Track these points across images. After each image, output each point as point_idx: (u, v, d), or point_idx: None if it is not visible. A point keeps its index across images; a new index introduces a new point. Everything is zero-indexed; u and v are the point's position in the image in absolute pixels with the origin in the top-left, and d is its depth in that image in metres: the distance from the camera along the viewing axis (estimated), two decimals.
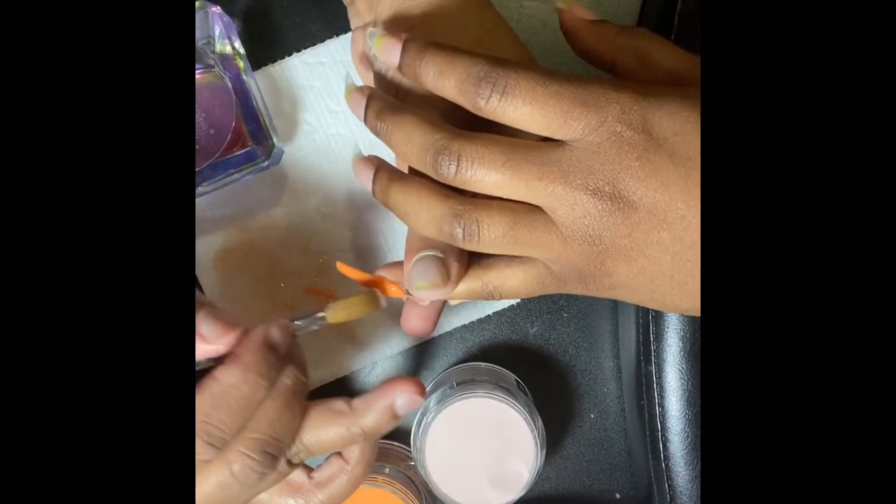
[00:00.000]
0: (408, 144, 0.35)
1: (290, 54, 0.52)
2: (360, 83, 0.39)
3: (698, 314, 0.35)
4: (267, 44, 0.52)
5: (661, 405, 0.48)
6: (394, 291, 0.39)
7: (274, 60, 0.52)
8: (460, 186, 0.34)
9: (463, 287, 0.36)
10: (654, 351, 0.48)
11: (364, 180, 0.37)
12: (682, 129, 0.32)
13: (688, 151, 0.32)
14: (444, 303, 0.40)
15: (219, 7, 0.48)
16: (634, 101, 0.32)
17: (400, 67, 0.36)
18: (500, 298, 0.37)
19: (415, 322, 0.40)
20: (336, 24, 0.52)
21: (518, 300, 0.54)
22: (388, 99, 0.37)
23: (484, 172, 0.33)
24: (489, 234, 0.34)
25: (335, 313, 0.40)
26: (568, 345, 0.55)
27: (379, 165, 0.37)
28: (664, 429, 0.49)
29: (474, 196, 0.34)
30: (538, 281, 0.36)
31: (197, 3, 0.47)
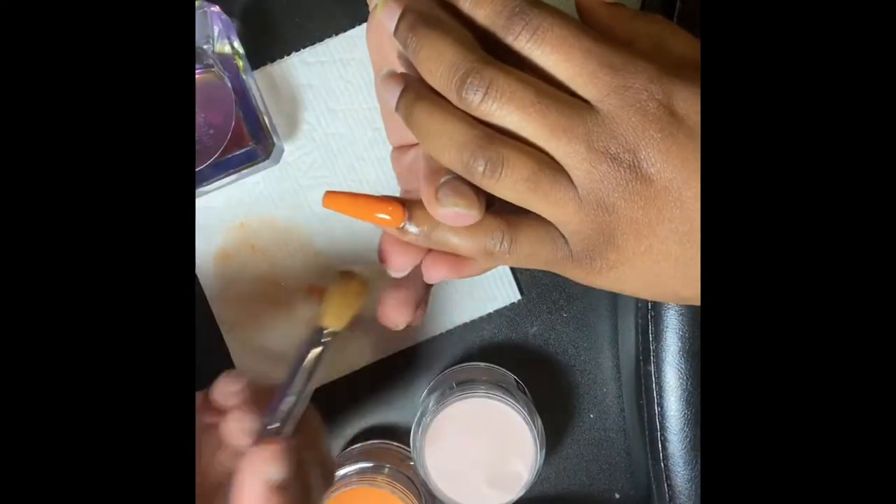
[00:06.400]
0: (437, 61, 0.33)
1: (289, 53, 0.52)
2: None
3: (698, 303, 0.34)
4: (266, 43, 0.52)
5: (661, 405, 0.49)
6: (391, 216, 0.35)
7: (273, 59, 0.52)
8: (481, 116, 0.33)
9: (472, 239, 0.34)
10: (653, 351, 0.48)
11: (391, 93, 0.35)
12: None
13: None
14: (427, 291, 0.38)
15: (217, 6, 0.48)
16: (662, 75, 0.32)
17: None
18: (507, 257, 0.34)
19: (393, 312, 0.37)
20: (335, 23, 0.52)
21: (517, 299, 0.54)
22: (426, 13, 0.35)
23: (511, 108, 0.32)
24: (511, 174, 0.32)
25: (331, 318, 0.39)
26: (567, 345, 0.55)
27: (411, 80, 0.35)
28: (663, 428, 0.49)
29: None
30: (550, 240, 0.34)
31: (196, 3, 0.47)
